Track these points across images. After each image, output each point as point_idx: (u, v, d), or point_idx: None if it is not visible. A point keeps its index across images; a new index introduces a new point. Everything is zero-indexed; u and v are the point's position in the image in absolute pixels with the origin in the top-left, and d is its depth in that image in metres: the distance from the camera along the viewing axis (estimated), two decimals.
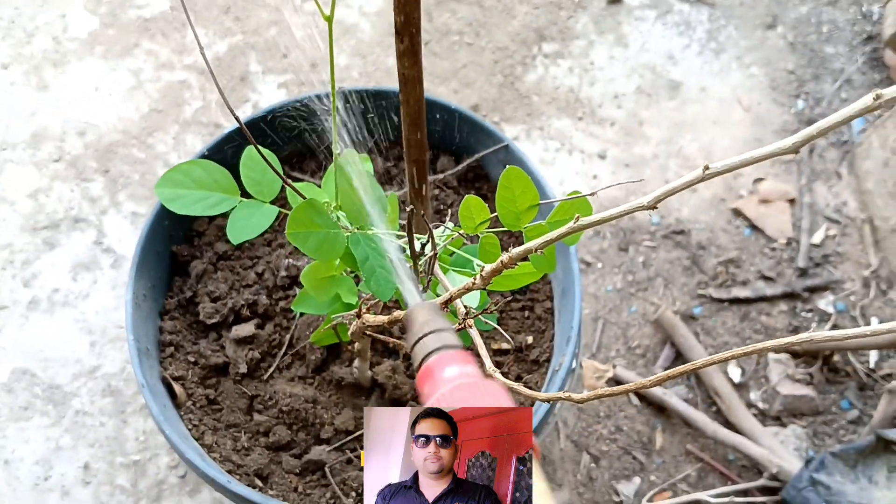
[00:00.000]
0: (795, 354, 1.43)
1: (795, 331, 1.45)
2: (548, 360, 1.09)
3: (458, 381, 0.56)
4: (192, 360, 1.09)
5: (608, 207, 1.51)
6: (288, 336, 1.12)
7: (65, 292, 1.44)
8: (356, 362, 1.03)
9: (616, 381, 1.40)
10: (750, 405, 1.39)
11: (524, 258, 0.59)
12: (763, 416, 1.39)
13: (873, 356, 1.43)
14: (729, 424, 1.36)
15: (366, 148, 1.25)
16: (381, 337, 0.75)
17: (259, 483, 1.01)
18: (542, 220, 0.73)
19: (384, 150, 1.25)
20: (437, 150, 1.25)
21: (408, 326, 0.58)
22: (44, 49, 1.69)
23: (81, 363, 1.38)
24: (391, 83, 1.67)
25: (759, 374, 1.42)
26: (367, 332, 0.76)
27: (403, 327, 0.88)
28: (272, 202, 0.80)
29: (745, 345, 1.45)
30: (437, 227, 0.73)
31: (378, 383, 1.07)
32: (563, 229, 0.54)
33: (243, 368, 1.08)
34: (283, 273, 1.14)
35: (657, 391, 1.38)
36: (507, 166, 0.66)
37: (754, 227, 1.55)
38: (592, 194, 0.68)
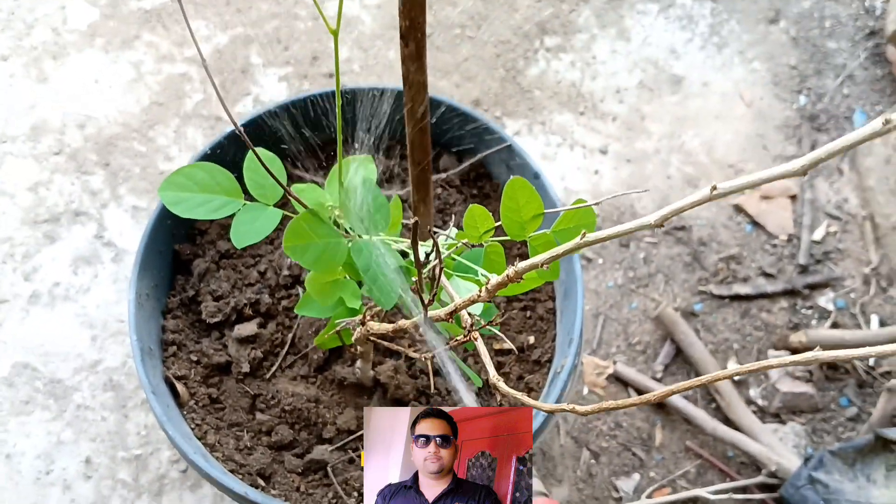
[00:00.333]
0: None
1: (796, 328, 1.46)
2: (549, 361, 1.09)
3: None
4: (195, 359, 1.09)
5: (611, 203, 1.52)
6: (290, 335, 1.12)
7: (65, 286, 1.44)
8: (358, 362, 1.04)
9: (616, 377, 1.41)
10: (749, 402, 1.40)
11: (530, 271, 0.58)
12: (762, 413, 1.39)
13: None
14: (728, 421, 1.37)
15: (370, 147, 1.24)
16: (386, 343, 0.75)
17: (261, 482, 1.01)
18: (547, 225, 0.73)
19: (388, 149, 1.24)
20: (440, 149, 1.25)
21: None
22: (43, 41, 1.69)
23: (83, 357, 1.38)
24: (392, 76, 1.66)
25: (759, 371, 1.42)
26: (371, 339, 0.77)
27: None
28: (276, 205, 0.80)
29: (745, 341, 1.46)
30: (439, 235, 0.73)
31: (380, 383, 1.07)
32: (569, 245, 0.54)
33: (246, 368, 1.08)
34: (285, 272, 1.14)
35: (657, 388, 1.39)
36: (512, 177, 0.66)
37: (755, 224, 1.55)
38: (597, 203, 0.68)
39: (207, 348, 1.10)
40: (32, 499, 1.28)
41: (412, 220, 0.62)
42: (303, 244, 0.68)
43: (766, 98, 1.68)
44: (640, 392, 1.40)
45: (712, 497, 1.30)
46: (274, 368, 1.10)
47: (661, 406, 1.39)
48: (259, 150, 0.74)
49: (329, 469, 1.03)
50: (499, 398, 0.64)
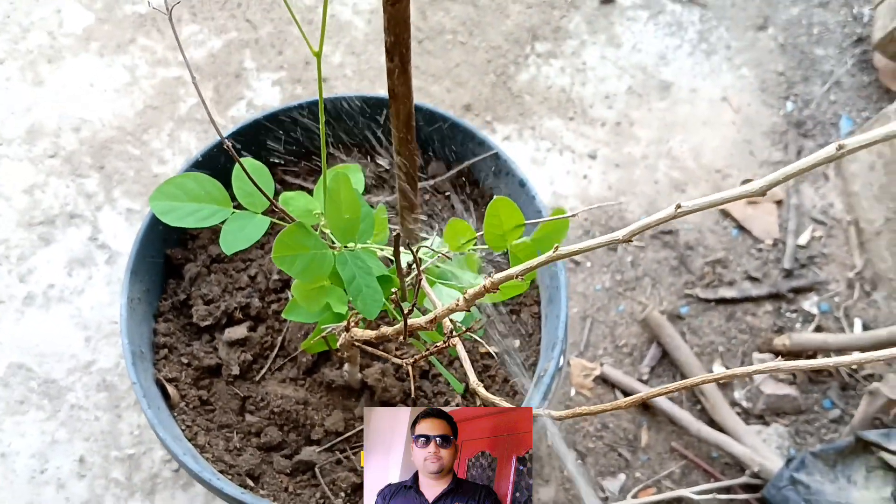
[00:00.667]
0: (779, 354, 1.45)
1: (780, 331, 1.48)
2: (534, 364, 1.11)
3: None
4: (186, 361, 1.11)
5: (599, 212, 1.54)
6: (280, 339, 1.14)
7: (60, 288, 1.46)
8: (346, 366, 1.06)
9: (603, 379, 1.43)
10: (734, 404, 1.42)
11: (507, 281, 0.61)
12: (746, 415, 1.42)
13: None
14: (713, 423, 1.39)
15: (358, 153, 1.27)
16: (370, 349, 0.77)
17: (250, 483, 1.03)
18: (529, 233, 0.75)
19: (375, 155, 1.26)
20: (429, 157, 1.27)
21: None
22: (39, 44, 1.70)
23: (76, 358, 1.40)
24: (384, 82, 1.68)
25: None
26: (356, 345, 0.79)
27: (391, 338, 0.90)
28: (265, 212, 0.82)
29: (730, 344, 1.48)
30: (421, 247, 0.75)
31: (368, 386, 1.09)
32: (542, 258, 0.56)
33: (236, 370, 1.10)
34: (275, 276, 1.16)
35: (642, 390, 1.41)
36: (495, 197, 0.68)
37: (741, 228, 1.57)
38: (574, 215, 0.70)
39: (198, 351, 1.12)
40: (27, 497, 1.30)
41: (394, 234, 0.64)
42: (291, 255, 0.70)
43: (754, 104, 1.70)
44: (626, 393, 1.42)
45: (696, 497, 1.32)
46: (263, 371, 1.12)
47: (646, 408, 1.41)
48: (247, 160, 0.76)
49: (317, 470, 1.05)
50: (478, 402, 0.66)
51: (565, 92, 1.70)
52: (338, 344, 0.82)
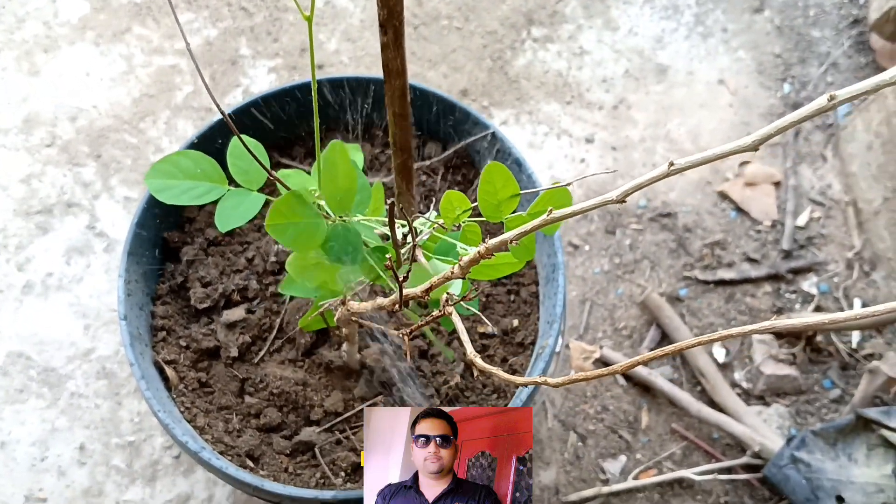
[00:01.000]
0: (779, 335, 1.45)
1: (779, 312, 1.48)
2: (533, 343, 1.11)
3: None
4: (184, 344, 1.11)
5: (596, 190, 1.54)
6: (278, 320, 1.14)
7: (59, 276, 1.46)
8: (345, 346, 1.06)
9: (603, 361, 1.43)
10: (734, 385, 1.42)
11: (501, 248, 0.60)
12: (747, 396, 1.41)
13: (855, 336, 1.45)
14: (713, 404, 1.39)
15: (356, 135, 1.26)
16: (367, 323, 0.77)
17: (250, 463, 1.03)
18: (525, 209, 0.75)
19: (374, 136, 1.26)
20: (425, 137, 1.27)
21: None
22: (35, 34, 1.70)
23: (76, 346, 1.40)
24: (381, 69, 1.68)
25: (744, 354, 1.44)
26: (353, 319, 0.78)
27: (389, 312, 0.90)
28: (260, 190, 0.82)
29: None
30: (416, 219, 0.75)
31: (366, 366, 1.09)
32: (536, 221, 0.56)
33: (234, 352, 1.10)
34: (272, 258, 1.16)
35: (643, 371, 1.41)
36: (490, 161, 0.68)
37: (740, 210, 1.57)
38: (569, 184, 0.70)
39: (196, 333, 1.11)
40: (28, 485, 1.30)
41: (390, 202, 0.64)
42: (283, 223, 0.70)
43: (751, 86, 1.70)
44: (626, 376, 1.42)
45: (697, 478, 1.32)
46: (262, 353, 1.12)
47: (647, 389, 1.41)
48: (244, 137, 0.76)
49: (317, 450, 1.05)
50: (475, 373, 0.66)
51: (562, 76, 1.70)
52: (335, 319, 0.82)
